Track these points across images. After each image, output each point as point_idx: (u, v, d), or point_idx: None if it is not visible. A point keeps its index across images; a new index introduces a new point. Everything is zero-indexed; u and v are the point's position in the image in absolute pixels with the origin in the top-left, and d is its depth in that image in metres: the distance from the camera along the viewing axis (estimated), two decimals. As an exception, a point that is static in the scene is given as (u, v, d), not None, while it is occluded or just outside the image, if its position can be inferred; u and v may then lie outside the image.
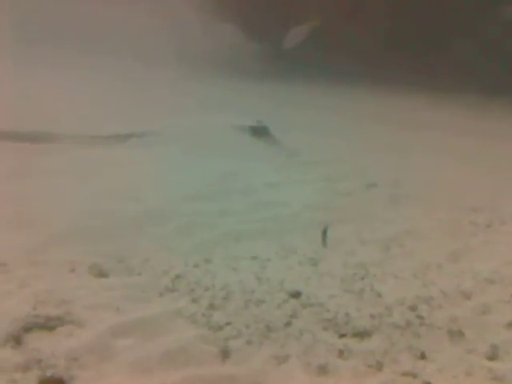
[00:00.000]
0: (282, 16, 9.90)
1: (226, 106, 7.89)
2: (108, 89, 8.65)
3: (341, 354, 2.89)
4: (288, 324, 3.14)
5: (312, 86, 9.67)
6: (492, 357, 2.90)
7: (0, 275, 3.57)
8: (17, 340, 2.86)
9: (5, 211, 4.41)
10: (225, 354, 2.87)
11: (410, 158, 6.42)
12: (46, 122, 6.45)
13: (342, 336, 3.05)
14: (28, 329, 2.95)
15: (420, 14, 9.02)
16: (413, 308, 3.33)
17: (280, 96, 9.22)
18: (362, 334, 3.06)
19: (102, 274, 3.74)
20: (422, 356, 2.89)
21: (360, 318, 3.21)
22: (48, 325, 3.01)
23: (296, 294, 3.46)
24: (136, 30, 11.01)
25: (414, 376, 2.74)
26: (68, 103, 7.44)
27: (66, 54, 10.60)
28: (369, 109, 8.69)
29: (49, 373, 2.64)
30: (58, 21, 11.05)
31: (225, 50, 11.09)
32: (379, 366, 2.80)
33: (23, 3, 11.08)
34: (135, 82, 9.25)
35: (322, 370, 2.76)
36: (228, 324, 3.12)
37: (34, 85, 7.91)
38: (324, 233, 4.25)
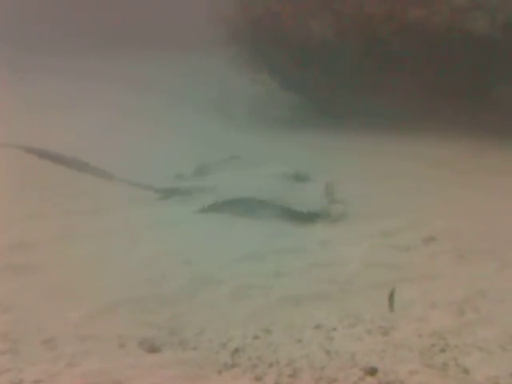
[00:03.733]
0: (318, 67, 9.77)
1: (266, 157, 7.65)
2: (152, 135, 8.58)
3: None
4: (368, 408, 2.80)
5: (353, 133, 9.39)
6: None
7: (47, 353, 3.32)
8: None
9: (50, 279, 4.19)
10: None
11: (470, 208, 6.03)
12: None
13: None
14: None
15: (462, 61, 8.79)
16: (509, 388, 2.96)
17: (323, 145, 8.95)
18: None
19: (153, 348, 3.46)
20: None
21: (449, 399, 2.86)
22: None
23: (372, 371, 3.11)
24: (175, 80, 11.07)
25: None
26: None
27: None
28: (415, 153, 8.36)
29: None
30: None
31: (260, 100, 11.00)
32: None
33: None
34: (171, 132, 9.12)
35: None
36: (300, 408, 2.79)
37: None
38: (391, 296, 3.92)
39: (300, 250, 5.00)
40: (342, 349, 3.38)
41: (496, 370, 3.11)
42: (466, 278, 4.35)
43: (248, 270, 4.57)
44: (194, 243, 5.01)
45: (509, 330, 3.58)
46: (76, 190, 6.30)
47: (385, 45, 9.30)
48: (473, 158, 8.14)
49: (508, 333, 3.54)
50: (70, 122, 9.50)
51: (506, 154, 8.18)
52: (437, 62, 8.91)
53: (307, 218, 5.60)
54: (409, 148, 8.65)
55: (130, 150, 7.60)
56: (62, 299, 3.93)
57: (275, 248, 5.00)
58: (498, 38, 8.33)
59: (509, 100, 9.55)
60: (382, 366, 3.17)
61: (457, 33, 8.44)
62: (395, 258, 4.85)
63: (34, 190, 6.22)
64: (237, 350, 3.41)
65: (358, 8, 9.41)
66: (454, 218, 5.77)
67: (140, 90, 11.76)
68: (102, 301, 3.91)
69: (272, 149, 8.53)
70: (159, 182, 6.36)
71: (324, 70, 9.66)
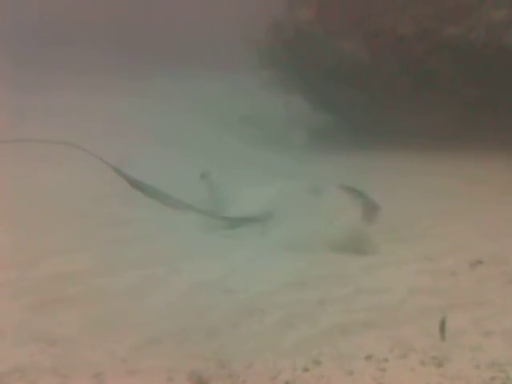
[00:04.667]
0: (351, 87, 9.73)
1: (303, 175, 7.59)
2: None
3: None
4: None
5: (390, 152, 9.28)
6: None
7: (96, 388, 3.29)
8: None
9: (93, 311, 4.18)
10: None
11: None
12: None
13: None
14: None
15: (500, 77, 8.66)
16: None
17: (359, 164, 8.85)
18: None
19: (202, 382, 3.41)
20: None
21: None
22: None
23: (429, 406, 3.02)
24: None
25: None
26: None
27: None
28: (454, 171, 8.21)
29: None
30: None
31: (293, 121, 10.99)
32: None
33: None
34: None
35: None
36: None
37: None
38: (442, 324, 3.81)
39: (342, 275, 4.92)
40: (397, 381, 3.29)
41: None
42: (519, 304, 4.22)
43: (291, 298, 4.50)
44: (234, 271, 4.96)
45: None
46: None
47: (419, 63, 9.23)
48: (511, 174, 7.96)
49: None
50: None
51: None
52: (474, 79, 8.78)
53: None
54: (447, 166, 8.51)
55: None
56: (106, 332, 3.91)
57: (317, 274, 4.92)
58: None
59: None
60: (439, 400, 3.07)
61: (493, 48, 8.31)
62: (442, 284, 4.73)
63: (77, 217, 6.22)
64: (288, 383, 3.34)
65: (391, 28, 9.36)
66: (499, 239, 5.64)
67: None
68: (146, 333, 3.88)
69: (311, 170, 8.45)
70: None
71: (358, 89, 9.60)
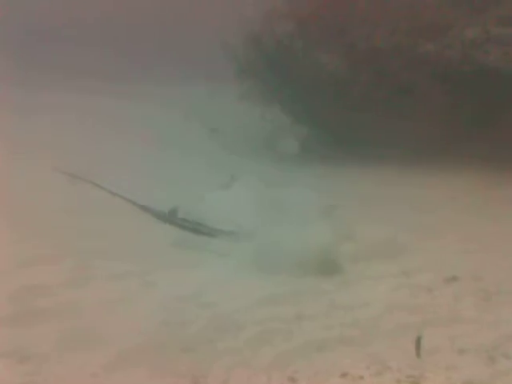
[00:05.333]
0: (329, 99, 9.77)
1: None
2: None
3: None
4: None
5: (365, 164, 9.29)
6: None
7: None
8: None
9: (66, 325, 4.09)
10: None
11: (491, 247, 5.89)
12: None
13: None
14: None
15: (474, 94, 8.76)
16: None
17: (337, 176, 8.85)
18: None
19: (177, 399, 3.36)
20: None
21: None
22: None
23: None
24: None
25: None
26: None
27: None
28: (438, 182, 8.21)
29: None
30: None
31: (272, 135, 10.95)
32: None
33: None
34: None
35: None
36: None
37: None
38: (418, 342, 3.81)
39: (319, 291, 4.90)
40: (372, 400, 3.27)
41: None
42: (494, 322, 4.24)
43: (267, 313, 4.47)
44: (211, 285, 4.92)
45: (544, 379, 3.46)
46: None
47: (394, 78, 9.30)
48: (489, 188, 7.97)
49: (543, 382, 3.42)
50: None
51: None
52: (451, 95, 8.87)
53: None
54: (426, 178, 8.52)
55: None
56: (79, 347, 3.83)
57: (292, 290, 4.90)
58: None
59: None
60: (415, 420, 3.05)
61: (470, 66, 8.41)
62: (417, 300, 4.74)
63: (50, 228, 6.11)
64: (262, 402, 3.30)
65: (367, 40, 9.43)
66: (476, 254, 5.66)
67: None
68: (120, 348, 3.81)
69: (285, 180, 8.40)
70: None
71: (336, 101, 9.64)
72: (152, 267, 5.26)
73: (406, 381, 3.50)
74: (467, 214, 6.92)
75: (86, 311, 4.31)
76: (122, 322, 4.17)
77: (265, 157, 10.10)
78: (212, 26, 11.09)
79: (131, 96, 13.18)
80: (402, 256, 5.68)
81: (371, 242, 5.91)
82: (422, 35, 8.91)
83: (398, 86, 9.34)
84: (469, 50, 8.48)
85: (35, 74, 14.30)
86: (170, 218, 6.59)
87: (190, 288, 4.86)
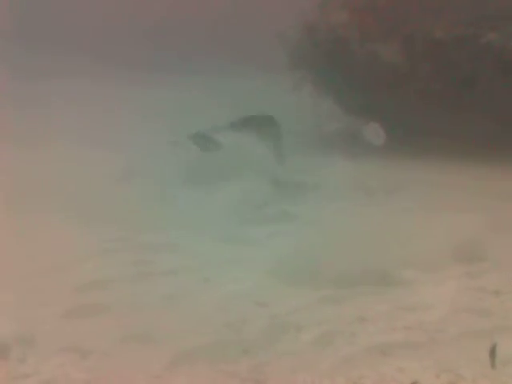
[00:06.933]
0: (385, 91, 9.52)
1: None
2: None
3: None
4: None
5: (422, 160, 8.98)
6: None
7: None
8: None
9: (125, 321, 4.05)
10: None
11: None
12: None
13: None
14: None
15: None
16: None
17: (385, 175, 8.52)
18: None
19: (239, 402, 3.27)
20: None
21: None
22: None
23: None
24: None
25: None
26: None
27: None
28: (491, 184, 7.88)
29: None
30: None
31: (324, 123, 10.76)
32: None
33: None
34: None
35: None
36: None
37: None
38: (492, 351, 3.61)
39: (383, 292, 4.73)
40: (446, 412, 3.11)
41: None
42: None
43: (328, 314, 4.34)
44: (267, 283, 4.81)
45: None
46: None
47: (455, 70, 9.00)
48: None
49: None
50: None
51: None
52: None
53: None
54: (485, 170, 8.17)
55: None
56: (139, 345, 3.79)
57: (355, 289, 4.75)
58: None
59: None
60: None
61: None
62: (485, 303, 4.53)
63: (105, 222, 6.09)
64: (327, 408, 3.18)
65: (427, 32, 9.14)
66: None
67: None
68: (180, 347, 3.75)
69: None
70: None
71: (392, 94, 9.39)
72: (208, 263, 5.20)
73: (481, 392, 3.32)
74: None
75: (146, 307, 4.26)
76: (182, 322, 4.09)
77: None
78: (266, 16, 10.93)
79: (183, 87, 13.16)
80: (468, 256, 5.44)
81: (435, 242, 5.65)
82: (485, 25, 8.59)
83: (459, 78, 9.05)
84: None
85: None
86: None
87: (245, 284, 4.77)
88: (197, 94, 12.88)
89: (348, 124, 10.21)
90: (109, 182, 7.32)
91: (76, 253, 5.15)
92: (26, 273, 4.81)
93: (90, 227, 5.83)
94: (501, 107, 8.69)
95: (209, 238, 5.83)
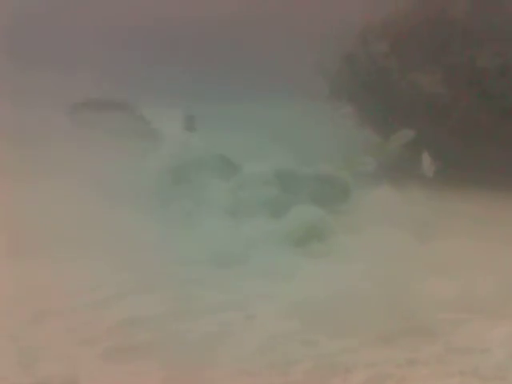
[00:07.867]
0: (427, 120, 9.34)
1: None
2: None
3: None
4: None
5: (467, 191, 8.69)
6: None
7: None
8: None
9: (167, 363, 3.91)
10: None
11: None
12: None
13: None
14: None
15: None
16: None
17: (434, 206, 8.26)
18: None
19: None
20: None
21: None
22: None
23: None
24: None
25: None
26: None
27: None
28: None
29: None
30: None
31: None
32: None
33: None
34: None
35: None
36: None
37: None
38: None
39: (431, 332, 4.53)
40: None
41: None
42: None
43: (377, 354, 4.15)
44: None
45: None
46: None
47: (499, 100, 8.82)
48: None
49: None
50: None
51: None
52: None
53: None
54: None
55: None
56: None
57: (404, 328, 4.55)
58: None
59: None
60: None
61: None
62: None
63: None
64: None
65: (470, 61, 9.01)
66: None
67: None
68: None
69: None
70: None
71: (434, 125, 9.22)
72: (249, 298, 5.05)
73: None
74: None
75: (188, 346, 4.12)
76: (225, 360, 3.96)
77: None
78: (306, 46, 10.90)
79: (220, 117, 13.07)
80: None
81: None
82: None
83: (501, 107, 8.86)
84: None
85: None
86: None
87: (292, 322, 4.61)
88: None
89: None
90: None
91: (111, 289, 5.00)
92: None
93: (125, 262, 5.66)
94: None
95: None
